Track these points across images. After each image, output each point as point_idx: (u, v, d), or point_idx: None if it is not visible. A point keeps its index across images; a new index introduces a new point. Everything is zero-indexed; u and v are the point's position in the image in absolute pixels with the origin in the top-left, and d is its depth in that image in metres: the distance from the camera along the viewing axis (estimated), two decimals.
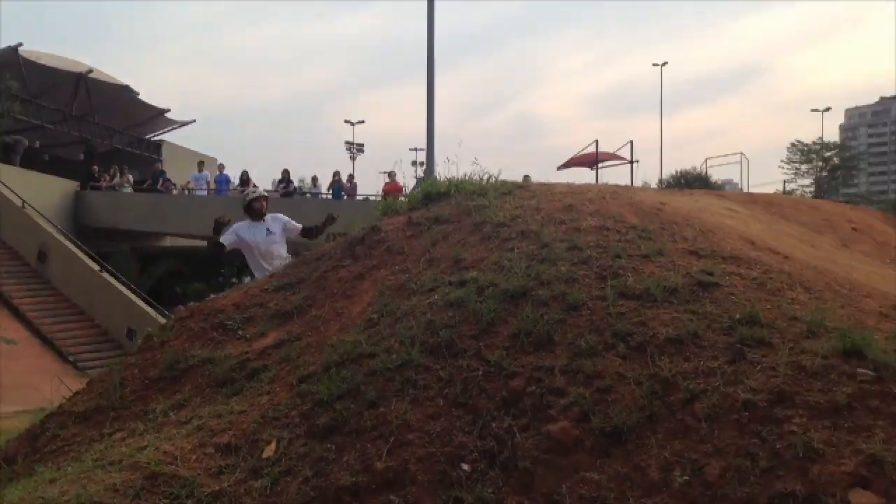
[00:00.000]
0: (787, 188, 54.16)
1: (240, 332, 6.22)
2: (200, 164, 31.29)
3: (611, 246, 5.70)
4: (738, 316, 4.47)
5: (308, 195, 31.79)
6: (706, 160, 36.40)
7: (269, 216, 8.68)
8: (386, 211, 7.73)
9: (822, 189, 54.45)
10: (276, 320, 6.24)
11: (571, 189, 7.45)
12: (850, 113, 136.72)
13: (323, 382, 4.90)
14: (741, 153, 32.58)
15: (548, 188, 7.41)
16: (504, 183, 7.57)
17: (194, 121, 44.23)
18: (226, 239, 8.43)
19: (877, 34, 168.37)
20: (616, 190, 7.63)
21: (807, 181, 57.87)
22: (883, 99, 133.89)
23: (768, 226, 7.57)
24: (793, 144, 59.01)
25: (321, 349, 5.44)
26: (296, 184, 32.56)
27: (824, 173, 57.45)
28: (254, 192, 8.77)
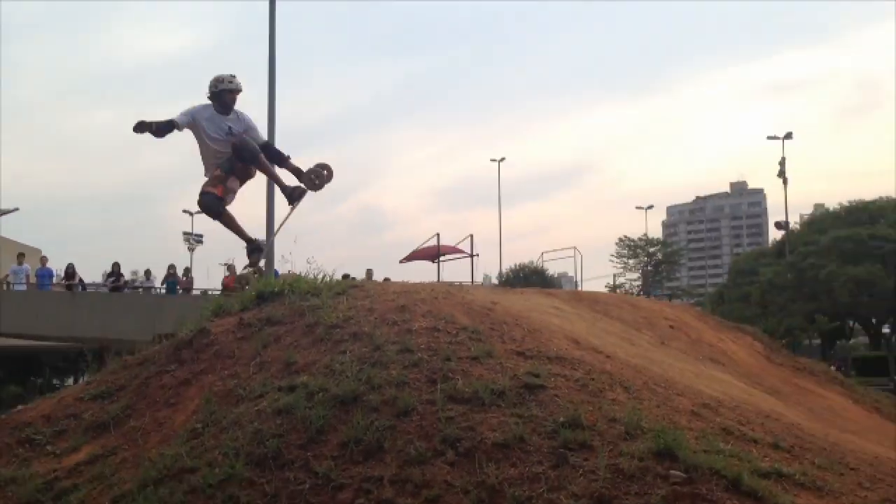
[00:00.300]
0: (617, 282, 57.22)
1: (49, 447, 5.75)
2: (21, 257, 29.24)
3: (441, 348, 5.75)
4: (561, 419, 4.58)
5: (140, 290, 30.35)
6: (542, 254, 37.93)
7: (234, 113, 7.64)
8: (217, 311, 7.50)
9: (649, 283, 57.81)
10: (90, 433, 5.82)
11: (405, 288, 7.52)
12: (670, 210, 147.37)
13: (138, 502, 4.57)
14: (574, 248, 34.21)
15: (382, 287, 7.45)
16: (339, 282, 7.56)
17: (17, 209, 41.57)
18: (181, 119, 7.38)
19: (690, 137, 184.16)
20: (449, 289, 7.78)
21: (634, 275, 61.35)
22: (698, 198, 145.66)
23: (592, 324, 7.92)
24: (620, 240, 62.64)
25: (139, 464, 5.10)
26: (127, 277, 31.05)
27: (650, 267, 61.11)
28: (231, 83, 7.59)
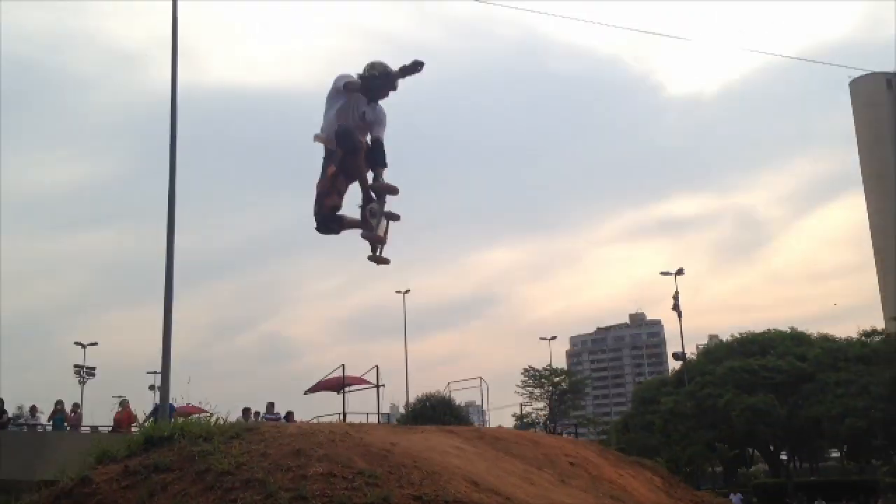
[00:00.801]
0: (524, 411, 57.15)
1: None
2: None
3: (337, 494, 5.63)
4: None
5: (25, 427, 28.53)
6: (449, 384, 37.79)
7: (377, 104, 6.97)
8: (100, 458, 7.15)
9: (555, 412, 57.97)
10: None
11: (302, 430, 7.37)
12: (573, 340, 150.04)
13: None
14: (480, 377, 34.15)
15: (278, 430, 7.28)
16: (232, 425, 7.36)
17: None
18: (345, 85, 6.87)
19: (589, 272, 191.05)
20: (348, 430, 7.66)
21: (541, 404, 61.46)
22: (599, 329, 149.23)
23: (493, 463, 7.87)
24: (525, 370, 62.95)
25: None
26: (11, 413, 29.18)
27: (555, 397, 61.42)
28: (395, 81, 6.84)
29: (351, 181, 7.16)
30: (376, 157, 7.07)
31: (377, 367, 29.01)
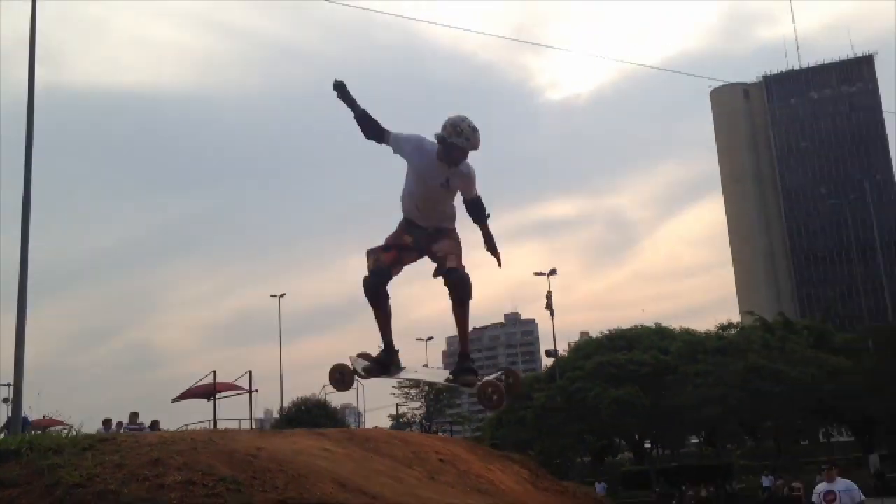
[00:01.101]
0: (400, 411, 57.46)
1: None
2: None
3: (197, 502, 5.47)
4: None
5: None
6: (324, 387, 37.55)
7: (460, 168, 6.19)
8: None
9: (430, 411, 58.48)
10: None
11: (162, 439, 7.12)
12: (449, 340, 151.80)
13: None
14: (357, 379, 34.05)
15: (135, 440, 7.01)
16: (86, 437, 7.04)
17: None
18: (392, 138, 6.28)
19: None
20: (212, 437, 7.46)
21: (417, 404, 61.89)
22: (475, 328, 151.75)
23: (362, 464, 7.86)
24: None
25: None
26: None
27: (431, 397, 61.97)
28: (465, 141, 6.10)
29: (419, 257, 6.71)
30: (479, 214, 6.44)
31: (250, 372, 28.48)
